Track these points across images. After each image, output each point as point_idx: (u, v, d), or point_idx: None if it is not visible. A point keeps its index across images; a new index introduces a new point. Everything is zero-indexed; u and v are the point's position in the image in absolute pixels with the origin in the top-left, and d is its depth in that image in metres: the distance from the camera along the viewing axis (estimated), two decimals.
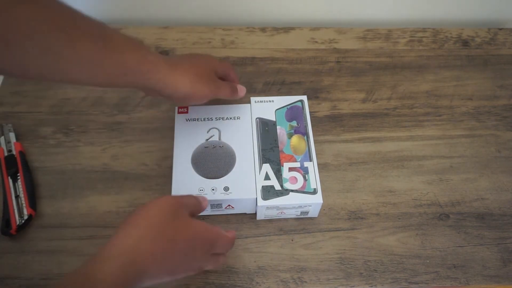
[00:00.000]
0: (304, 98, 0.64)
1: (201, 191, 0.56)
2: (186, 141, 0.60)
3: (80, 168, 0.64)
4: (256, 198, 0.56)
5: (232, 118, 0.63)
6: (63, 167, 0.63)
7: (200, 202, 0.51)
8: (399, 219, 0.61)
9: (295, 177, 0.57)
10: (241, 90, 0.62)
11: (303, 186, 0.57)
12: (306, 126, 0.61)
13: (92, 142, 0.66)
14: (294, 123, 0.62)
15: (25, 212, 0.58)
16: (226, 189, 0.56)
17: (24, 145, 0.65)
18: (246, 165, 0.58)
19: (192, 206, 0.49)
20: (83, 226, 0.58)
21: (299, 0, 0.81)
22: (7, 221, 0.57)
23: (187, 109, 0.63)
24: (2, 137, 0.65)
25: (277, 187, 0.57)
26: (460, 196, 0.63)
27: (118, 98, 0.70)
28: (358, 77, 0.75)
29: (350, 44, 0.79)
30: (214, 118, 0.62)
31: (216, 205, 0.57)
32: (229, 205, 0.58)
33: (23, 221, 0.57)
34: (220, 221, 0.59)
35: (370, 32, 0.81)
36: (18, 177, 0.61)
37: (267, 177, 0.57)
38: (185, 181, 0.57)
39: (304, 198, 0.56)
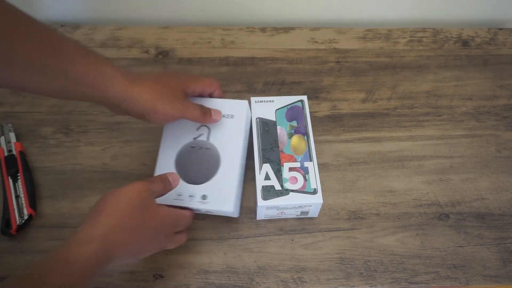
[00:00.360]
0: (304, 98, 0.64)
1: (179, 196, 0.54)
2: (174, 138, 0.58)
3: (80, 168, 0.64)
4: (233, 212, 0.55)
5: (225, 116, 0.59)
6: (63, 167, 0.63)
7: (169, 183, 0.52)
8: (399, 219, 0.61)
9: (295, 177, 0.57)
10: (216, 114, 0.58)
11: (303, 186, 0.57)
12: (306, 126, 0.61)
13: (92, 142, 0.66)
14: (294, 123, 0.62)
15: (25, 212, 0.58)
16: (204, 197, 0.55)
17: (24, 145, 0.65)
18: (229, 173, 0.56)
19: (160, 191, 0.51)
20: None
21: (299, 0, 0.81)
22: (7, 221, 0.57)
23: None
24: (2, 137, 0.65)
25: (277, 187, 0.57)
26: (460, 196, 0.63)
27: None
28: (358, 77, 0.75)
29: (350, 44, 0.79)
30: None
31: (194, 209, 0.56)
32: (208, 211, 0.57)
33: (23, 221, 0.57)
34: (219, 220, 0.59)
35: (370, 32, 0.81)
36: (18, 177, 0.61)
37: (267, 177, 0.57)
38: None
39: (304, 198, 0.56)
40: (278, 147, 0.60)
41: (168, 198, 0.53)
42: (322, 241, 0.59)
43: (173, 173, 0.54)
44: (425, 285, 0.56)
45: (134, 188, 0.47)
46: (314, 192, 0.56)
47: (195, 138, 0.58)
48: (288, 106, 0.64)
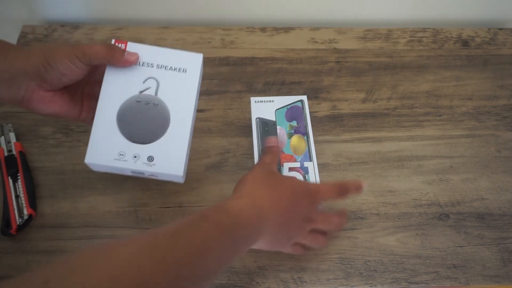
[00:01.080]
0: (304, 98, 0.64)
1: (121, 156, 0.49)
2: (116, 89, 0.51)
3: (80, 168, 0.63)
4: (182, 176, 0.50)
5: (177, 69, 0.52)
6: (63, 167, 0.63)
7: (273, 150, 0.55)
8: (399, 219, 0.61)
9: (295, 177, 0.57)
10: (130, 54, 0.50)
11: None
12: (306, 126, 0.61)
13: None
14: (294, 123, 0.62)
15: (25, 212, 0.58)
16: (150, 159, 0.50)
17: (24, 145, 0.65)
18: (179, 133, 0.51)
19: (272, 160, 0.54)
20: (83, 226, 0.58)
21: (299, 0, 0.81)
22: (7, 221, 0.57)
23: (126, 45, 0.51)
24: (2, 137, 0.65)
25: None
26: (460, 196, 0.63)
27: None
28: (358, 77, 0.75)
29: (350, 44, 0.79)
30: (155, 65, 0.52)
31: (138, 172, 0.51)
32: (152, 175, 0.52)
33: (23, 221, 0.57)
34: None
35: (370, 32, 0.81)
36: (18, 177, 0.61)
37: None
38: (105, 141, 0.49)
39: None
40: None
41: (108, 158, 0.49)
42: None
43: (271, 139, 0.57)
44: (425, 285, 0.56)
45: (255, 168, 0.52)
46: None
47: (141, 92, 0.51)
48: (288, 106, 0.64)
